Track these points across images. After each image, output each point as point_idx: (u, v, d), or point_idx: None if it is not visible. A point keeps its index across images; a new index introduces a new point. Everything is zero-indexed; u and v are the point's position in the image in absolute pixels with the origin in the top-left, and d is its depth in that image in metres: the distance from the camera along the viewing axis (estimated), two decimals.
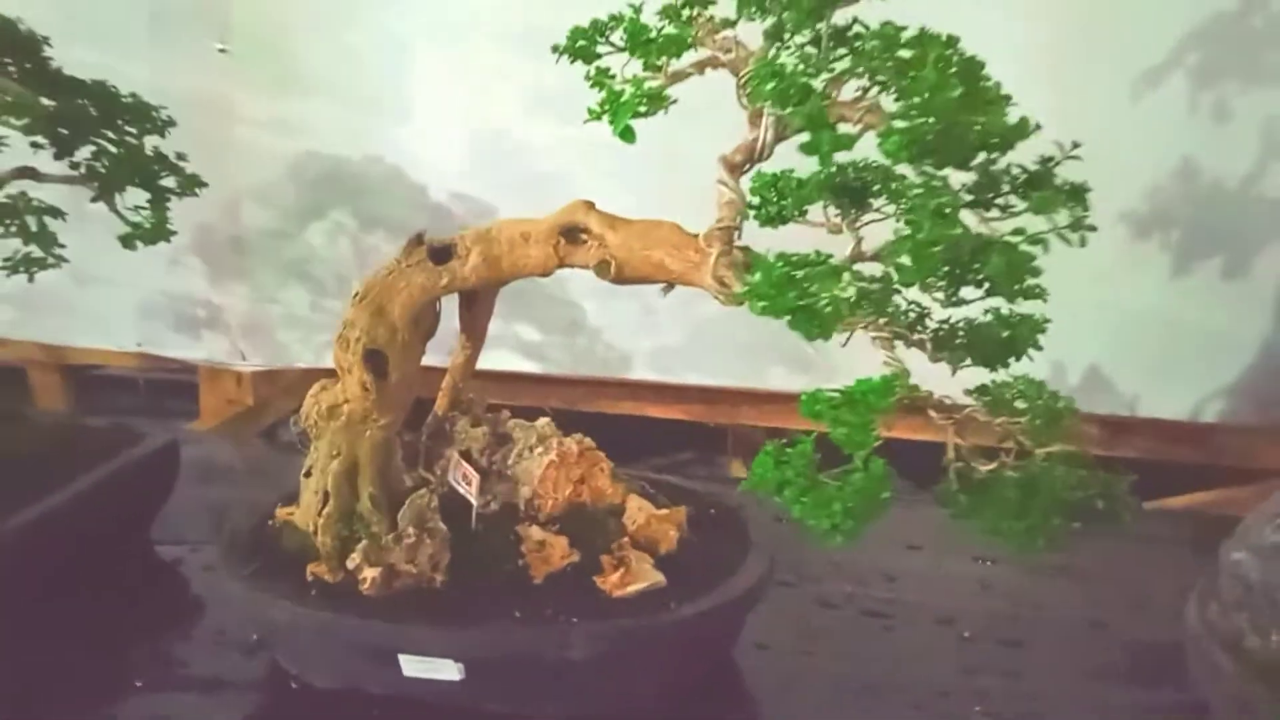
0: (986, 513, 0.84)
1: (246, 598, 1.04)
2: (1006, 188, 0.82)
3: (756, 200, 0.97)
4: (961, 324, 0.88)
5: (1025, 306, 0.85)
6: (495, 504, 1.08)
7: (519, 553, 1.03)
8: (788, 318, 0.79)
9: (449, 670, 0.98)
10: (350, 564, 1.00)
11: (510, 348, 1.78)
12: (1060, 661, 1.14)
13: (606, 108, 0.84)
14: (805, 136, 0.83)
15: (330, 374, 1.07)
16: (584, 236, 1.00)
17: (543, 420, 1.14)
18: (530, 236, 1.01)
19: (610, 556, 1.03)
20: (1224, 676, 0.92)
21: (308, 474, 1.08)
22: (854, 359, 0.83)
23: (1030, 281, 0.80)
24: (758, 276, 0.81)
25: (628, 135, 0.84)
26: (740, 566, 1.05)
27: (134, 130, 1.25)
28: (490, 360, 1.73)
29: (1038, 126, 0.81)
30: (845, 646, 1.18)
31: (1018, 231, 0.81)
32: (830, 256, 0.83)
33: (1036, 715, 1.06)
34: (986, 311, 0.86)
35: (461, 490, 1.07)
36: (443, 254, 1.02)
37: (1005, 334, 0.85)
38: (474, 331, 1.11)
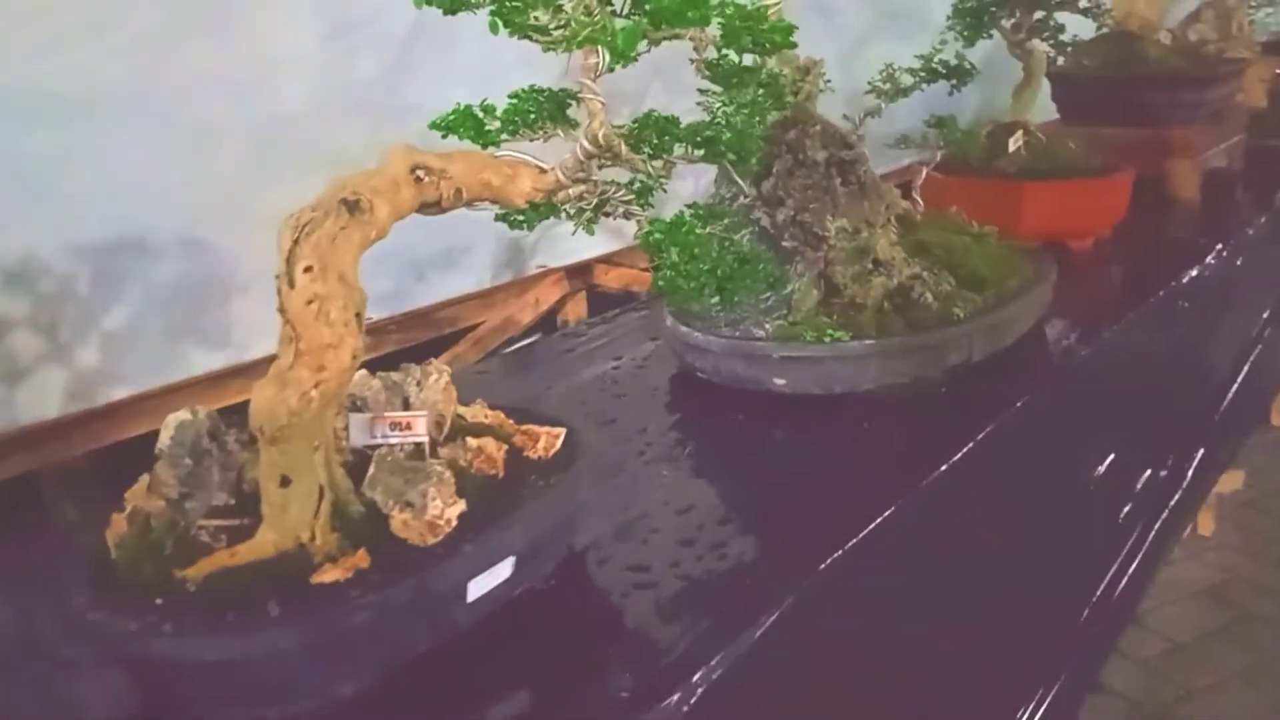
0: None
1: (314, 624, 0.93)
2: None
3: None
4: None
5: None
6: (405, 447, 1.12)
7: (465, 466, 1.13)
8: None
9: (505, 569, 1.08)
10: (432, 514, 0.99)
11: None
12: None
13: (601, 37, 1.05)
14: None
15: None
16: (423, 174, 1.13)
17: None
18: (398, 182, 1.09)
19: (520, 438, 1.21)
20: None
21: (284, 483, 0.95)
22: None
23: None
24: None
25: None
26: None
27: None
28: None
29: None
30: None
31: None
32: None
33: None
34: None
35: (395, 440, 1.09)
36: (353, 208, 1.02)
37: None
38: None
